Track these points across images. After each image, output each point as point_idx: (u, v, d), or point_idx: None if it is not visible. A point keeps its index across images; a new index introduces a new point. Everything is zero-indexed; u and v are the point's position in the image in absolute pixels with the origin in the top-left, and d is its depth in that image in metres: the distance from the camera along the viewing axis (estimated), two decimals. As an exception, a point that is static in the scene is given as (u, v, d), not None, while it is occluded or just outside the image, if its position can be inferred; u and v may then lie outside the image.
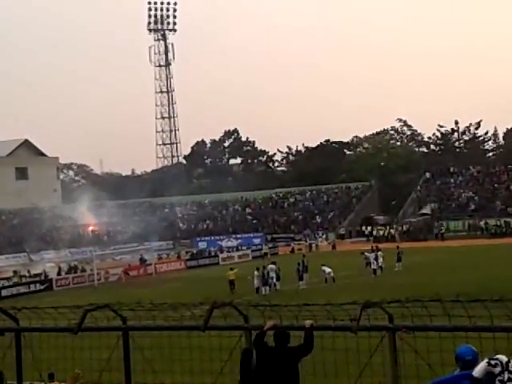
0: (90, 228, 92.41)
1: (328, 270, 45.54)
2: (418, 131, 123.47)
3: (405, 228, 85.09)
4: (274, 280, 44.67)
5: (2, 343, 15.73)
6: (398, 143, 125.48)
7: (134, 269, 62.20)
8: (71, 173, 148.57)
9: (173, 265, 67.56)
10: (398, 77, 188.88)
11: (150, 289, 44.89)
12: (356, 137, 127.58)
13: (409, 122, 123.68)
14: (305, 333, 11.60)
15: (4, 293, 51.10)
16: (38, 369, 13.77)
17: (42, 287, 54.56)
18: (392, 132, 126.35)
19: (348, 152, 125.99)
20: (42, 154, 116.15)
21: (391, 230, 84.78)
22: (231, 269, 46.51)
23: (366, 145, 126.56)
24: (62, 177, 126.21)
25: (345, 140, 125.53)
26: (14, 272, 59.70)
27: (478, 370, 2.55)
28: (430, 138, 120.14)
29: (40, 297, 43.59)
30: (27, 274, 59.24)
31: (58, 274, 60.18)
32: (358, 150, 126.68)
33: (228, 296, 27.86)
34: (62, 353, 15.77)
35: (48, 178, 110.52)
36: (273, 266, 45.43)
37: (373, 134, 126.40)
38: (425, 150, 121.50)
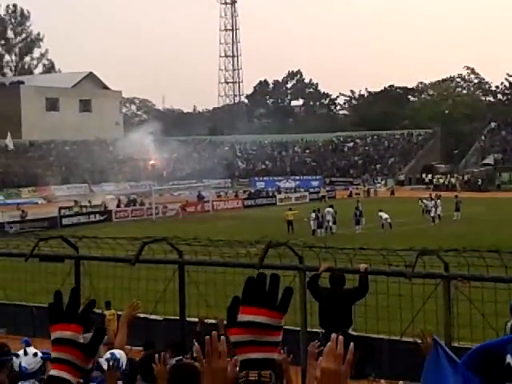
0: (150, 162, 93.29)
1: (385, 215, 45.31)
2: (486, 79, 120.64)
3: (466, 178, 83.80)
4: (331, 223, 44.68)
5: (62, 270, 16.15)
6: (464, 91, 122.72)
7: (191, 205, 62.78)
8: (133, 107, 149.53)
9: (230, 203, 67.95)
10: (468, 22, 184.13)
11: (207, 225, 45.33)
12: (421, 83, 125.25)
13: (476, 70, 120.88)
14: (359, 276, 11.62)
15: (65, 221, 52.18)
16: (95, 296, 14.09)
17: (102, 218, 55.54)
18: (458, 79, 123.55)
19: (412, 98, 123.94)
20: (106, 88, 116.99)
21: (452, 179, 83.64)
22: (290, 209, 46.58)
23: (430, 91, 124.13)
24: (124, 111, 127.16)
25: (409, 86, 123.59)
26: (75, 202, 60.77)
27: None
28: (497, 86, 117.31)
29: (99, 227, 44.39)
30: (88, 205, 60.32)
31: (118, 206, 61.15)
32: (423, 96, 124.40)
33: (284, 236, 27.95)
34: (119, 282, 16.13)
35: (111, 111, 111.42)
36: (330, 209, 45.39)
37: (438, 81, 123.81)
38: (491, 99, 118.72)
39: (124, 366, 6.30)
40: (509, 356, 2.19)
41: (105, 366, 6.01)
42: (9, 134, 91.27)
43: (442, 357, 6.02)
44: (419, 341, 5.85)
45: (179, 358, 9.01)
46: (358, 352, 11.18)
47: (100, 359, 6.25)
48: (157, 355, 5.38)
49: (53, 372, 2.39)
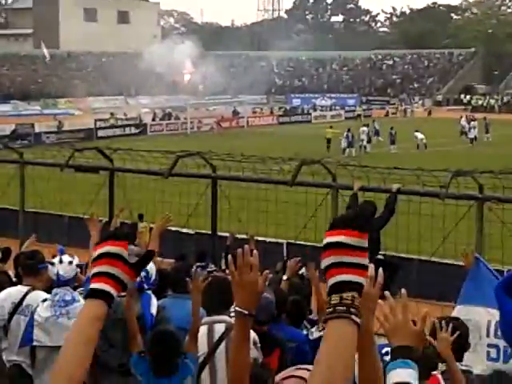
0: (187, 76, 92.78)
1: (421, 136, 44.89)
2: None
3: (505, 99, 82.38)
4: (365, 142, 44.41)
5: (96, 181, 16.32)
6: (509, 10, 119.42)
7: (226, 120, 62.71)
8: (172, 20, 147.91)
9: (265, 119, 67.72)
10: None
11: (241, 141, 45.27)
12: (465, 1, 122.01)
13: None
14: (387, 198, 11.44)
15: (100, 133, 52.45)
16: (128, 208, 14.23)
17: (137, 131, 55.70)
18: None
19: (455, 16, 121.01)
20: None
21: (491, 101, 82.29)
22: (331, 127, 46.17)
23: (474, 10, 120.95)
24: (162, 23, 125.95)
25: (453, 3, 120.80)
26: (111, 114, 60.86)
27: None
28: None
29: (134, 140, 44.54)
30: (123, 117, 60.47)
31: (153, 119, 61.26)
32: (466, 14, 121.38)
33: (318, 154, 27.83)
34: (152, 195, 16.27)
35: (149, 23, 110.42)
36: (364, 129, 45.08)
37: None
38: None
39: (154, 277, 6.38)
40: None
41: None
42: (42, 43, 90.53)
43: (484, 272, 6.26)
44: (462, 263, 5.90)
45: (201, 264, 9.13)
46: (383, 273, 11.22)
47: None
48: (193, 269, 5.40)
49: (94, 285, 2.37)
